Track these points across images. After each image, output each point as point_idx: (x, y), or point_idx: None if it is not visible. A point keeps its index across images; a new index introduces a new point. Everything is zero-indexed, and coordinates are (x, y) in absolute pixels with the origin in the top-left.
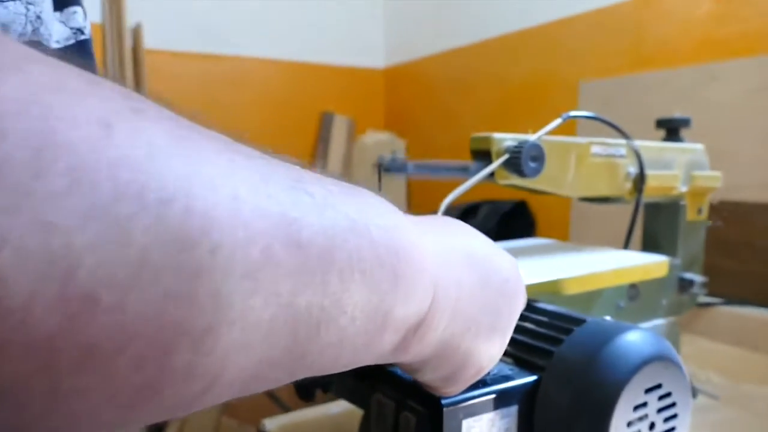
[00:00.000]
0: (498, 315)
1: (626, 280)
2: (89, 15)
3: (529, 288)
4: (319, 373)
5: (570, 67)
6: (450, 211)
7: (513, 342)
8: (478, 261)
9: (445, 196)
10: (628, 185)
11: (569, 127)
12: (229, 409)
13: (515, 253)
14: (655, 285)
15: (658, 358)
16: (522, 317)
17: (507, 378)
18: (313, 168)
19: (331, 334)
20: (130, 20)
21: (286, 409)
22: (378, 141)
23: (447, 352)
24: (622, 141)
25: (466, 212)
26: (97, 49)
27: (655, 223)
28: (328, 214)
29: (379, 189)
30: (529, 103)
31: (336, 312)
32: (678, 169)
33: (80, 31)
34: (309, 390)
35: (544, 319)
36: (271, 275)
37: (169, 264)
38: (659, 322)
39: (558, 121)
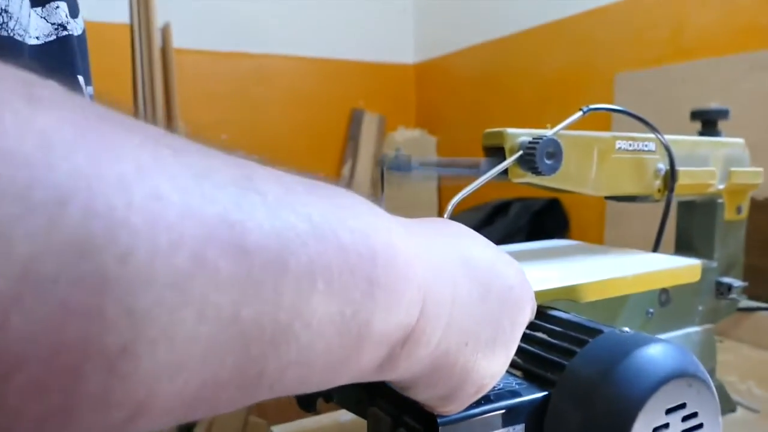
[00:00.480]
0: (500, 327)
1: (651, 287)
2: (118, 15)
3: (543, 294)
4: (287, 393)
5: (605, 59)
6: (479, 210)
7: (523, 353)
8: (477, 267)
9: (475, 196)
10: (658, 183)
11: (604, 122)
12: (257, 408)
13: (534, 255)
14: (689, 290)
15: (681, 375)
16: (534, 326)
17: (514, 394)
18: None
19: (293, 351)
20: (159, 20)
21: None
22: (408, 138)
23: (442, 369)
24: (652, 135)
25: (496, 210)
26: (126, 49)
27: (690, 223)
28: (282, 216)
29: (381, 190)
30: (562, 97)
31: (296, 326)
32: (714, 164)
33: (62, 26)
34: (310, 400)
35: (558, 328)
36: (204, 285)
37: (65, 274)
38: (693, 329)
39: (578, 115)
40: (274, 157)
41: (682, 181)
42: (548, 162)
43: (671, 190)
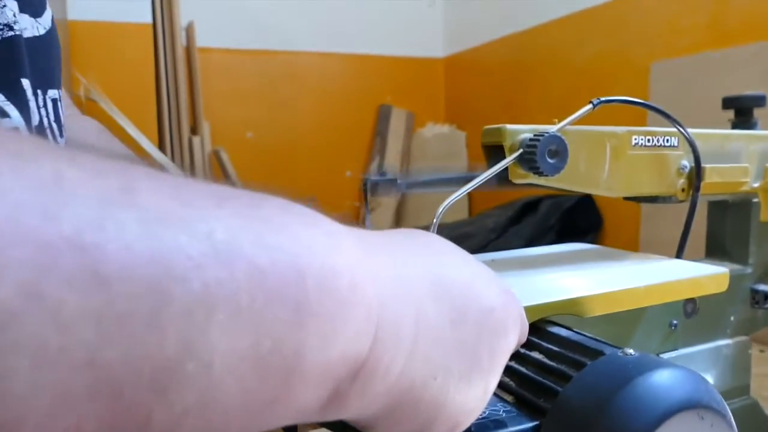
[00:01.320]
0: (477, 357)
1: (666, 299)
2: (141, 15)
3: (542, 309)
4: None
5: (641, 47)
6: (507, 207)
7: (516, 376)
8: (451, 288)
9: (504, 193)
10: (682, 182)
11: (639, 117)
12: None
13: (541, 262)
14: (720, 299)
15: (691, 406)
16: (531, 345)
17: (498, 424)
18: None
19: (189, 395)
20: (182, 19)
21: None
22: (438, 134)
23: (406, 406)
24: (674, 129)
25: (525, 208)
26: (149, 49)
27: (721, 225)
28: (167, 235)
29: (367, 211)
30: (596, 88)
31: (188, 366)
32: (748, 160)
33: (8, 26)
34: None
35: (555, 348)
36: (40, 324)
37: None
38: (724, 342)
39: (586, 109)
40: (300, 154)
41: (709, 179)
42: (551, 161)
43: (696, 189)
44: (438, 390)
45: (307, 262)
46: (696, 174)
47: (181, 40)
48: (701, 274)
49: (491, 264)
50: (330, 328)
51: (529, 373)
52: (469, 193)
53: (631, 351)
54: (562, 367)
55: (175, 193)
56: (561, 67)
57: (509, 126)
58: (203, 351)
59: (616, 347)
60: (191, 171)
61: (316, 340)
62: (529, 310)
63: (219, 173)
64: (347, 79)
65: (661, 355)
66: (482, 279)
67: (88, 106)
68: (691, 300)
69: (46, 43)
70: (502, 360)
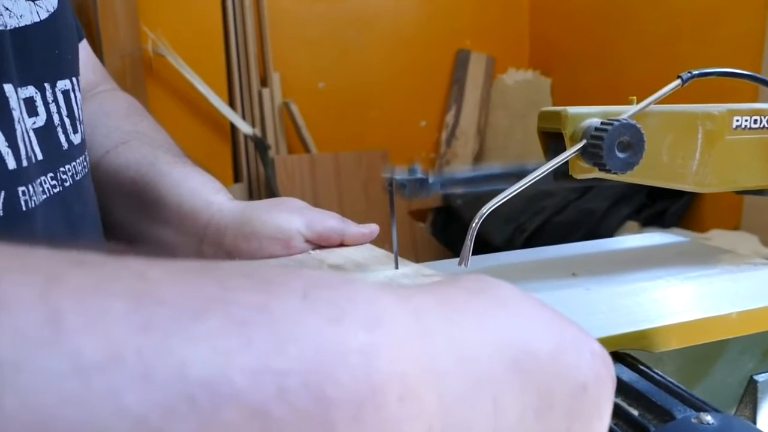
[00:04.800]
0: None
1: (762, 328)
2: None
3: (604, 342)
4: None
5: None
6: (573, 189)
7: None
8: (533, 368)
9: None
10: None
11: (750, 91)
12: None
13: (615, 266)
14: None
15: None
16: None
17: None
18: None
19: None
20: None
21: None
22: (520, 81)
23: None
24: None
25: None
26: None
27: None
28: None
29: (391, 214)
30: (701, 32)
31: None
32: None
33: None
34: None
35: (616, 400)
36: None
37: None
38: None
39: (673, 85)
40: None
41: None
42: (621, 155)
43: None
44: None
45: (337, 381)
46: None
47: None
48: None
49: (550, 267)
50: None
51: None
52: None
53: (709, 418)
54: (619, 429)
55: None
56: (659, 8)
57: (571, 109)
58: None
59: (691, 404)
60: (261, 126)
61: None
62: None
63: (290, 126)
64: (422, 22)
65: (760, 379)
66: (570, 343)
67: (156, 62)
68: None
69: (50, 28)
70: None
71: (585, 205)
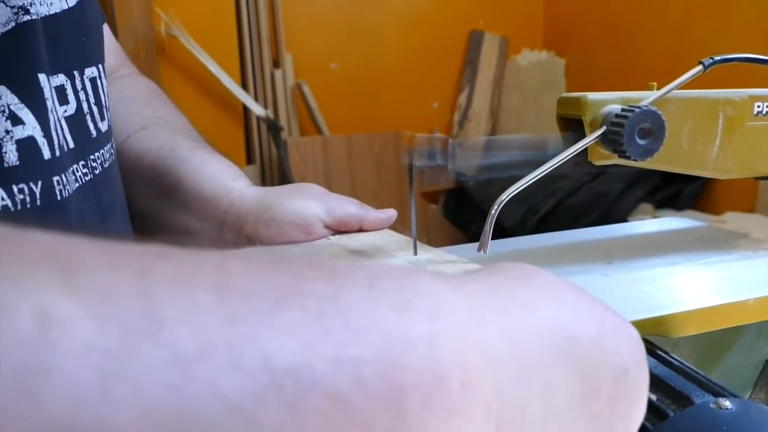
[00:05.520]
0: None
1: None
2: None
3: None
4: None
5: None
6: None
7: None
8: (579, 352)
9: None
10: None
11: (762, 75)
12: None
13: (631, 251)
14: None
15: None
16: None
17: None
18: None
19: None
20: None
21: None
22: (534, 62)
23: None
24: None
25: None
26: None
27: None
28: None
29: (411, 198)
30: (718, 15)
31: None
32: None
33: (24, 9)
34: None
35: None
36: None
37: None
38: None
39: (694, 71)
40: (385, 86)
41: None
42: (642, 142)
43: None
44: None
45: (406, 368)
46: None
47: None
48: None
49: (567, 252)
50: None
51: None
52: None
53: (727, 403)
54: None
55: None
56: None
57: (591, 95)
58: None
59: (709, 389)
60: (274, 108)
61: None
62: None
63: (302, 108)
64: (435, 2)
65: None
66: (610, 328)
67: (169, 43)
68: None
69: (78, 15)
70: (634, 429)
71: (598, 188)
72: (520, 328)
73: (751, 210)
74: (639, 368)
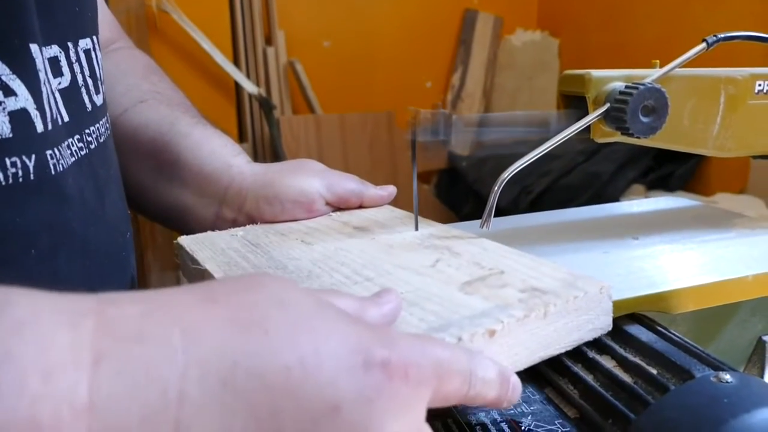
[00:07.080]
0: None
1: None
2: None
3: (619, 306)
4: None
5: None
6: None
7: (582, 385)
8: (253, 385)
9: None
10: None
11: (757, 54)
12: None
13: (628, 228)
14: None
15: None
16: (604, 348)
17: None
18: None
19: None
20: None
21: None
22: (527, 41)
23: None
24: None
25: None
26: None
27: None
28: None
29: (414, 169)
30: None
31: None
32: None
33: None
34: None
35: (632, 359)
36: None
37: None
38: None
39: (698, 49)
40: (378, 64)
41: None
42: (645, 120)
43: None
44: None
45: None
46: None
47: None
48: None
49: (560, 231)
50: None
51: (597, 386)
52: None
53: (727, 377)
54: (638, 387)
55: None
56: None
57: (595, 72)
58: None
59: (709, 363)
60: (266, 85)
61: None
62: None
63: (294, 86)
64: None
65: None
66: (329, 355)
67: (160, 19)
68: None
69: None
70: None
71: (591, 168)
72: (154, 361)
73: (742, 191)
74: (360, 403)
